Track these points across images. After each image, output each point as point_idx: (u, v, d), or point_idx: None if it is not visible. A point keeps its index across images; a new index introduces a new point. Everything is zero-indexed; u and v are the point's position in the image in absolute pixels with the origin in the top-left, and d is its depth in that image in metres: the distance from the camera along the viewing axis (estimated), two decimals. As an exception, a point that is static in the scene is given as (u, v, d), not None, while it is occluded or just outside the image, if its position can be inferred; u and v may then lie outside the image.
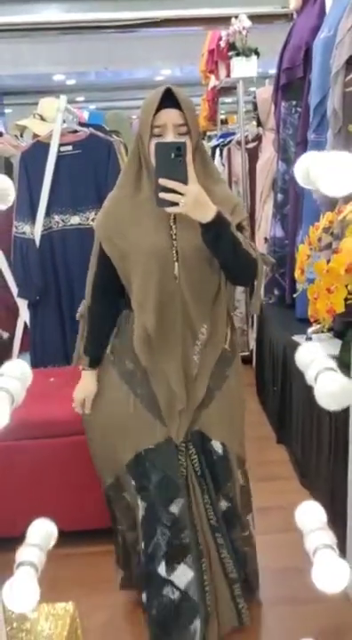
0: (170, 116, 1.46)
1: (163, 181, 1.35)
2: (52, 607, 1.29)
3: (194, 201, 1.37)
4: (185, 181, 1.36)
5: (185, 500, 1.65)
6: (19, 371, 0.78)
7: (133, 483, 1.70)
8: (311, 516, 0.85)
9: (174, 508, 1.65)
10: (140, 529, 1.70)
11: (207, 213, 1.39)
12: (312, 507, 0.87)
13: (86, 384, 1.74)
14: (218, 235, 1.44)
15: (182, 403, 1.61)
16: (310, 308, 2.01)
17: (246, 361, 3.98)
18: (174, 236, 1.53)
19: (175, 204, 1.37)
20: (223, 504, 1.76)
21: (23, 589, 0.77)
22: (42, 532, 0.87)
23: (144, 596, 1.72)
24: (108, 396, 1.70)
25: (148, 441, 1.65)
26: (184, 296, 1.56)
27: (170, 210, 1.40)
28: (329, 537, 0.81)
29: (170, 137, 1.46)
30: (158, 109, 1.46)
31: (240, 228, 1.56)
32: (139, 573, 1.79)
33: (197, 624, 1.65)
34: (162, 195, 1.37)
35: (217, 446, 1.70)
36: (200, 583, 1.66)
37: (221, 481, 1.74)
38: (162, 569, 1.65)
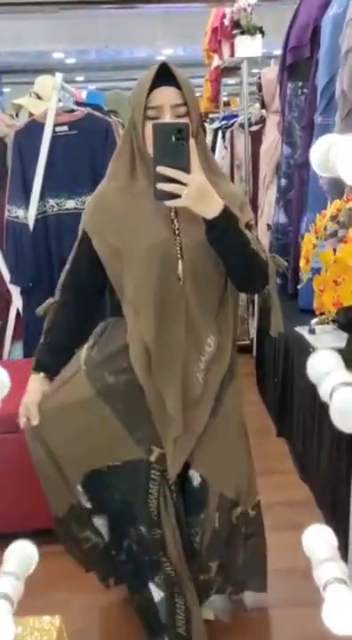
0: (166, 94, 1.27)
1: (162, 169, 1.17)
2: (38, 621, 1.21)
3: (198, 192, 1.18)
4: (187, 169, 1.17)
5: (147, 527, 1.47)
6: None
7: (87, 505, 1.51)
8: (321, 542, 0.76)
9: (142, 528, 1.48)
10: (108, 539, 1.57)
11: (213, 207, 1.22)
12: (321, 532, 0.78)
13: (32, 392, 1.48)
14: (224, 232, 1.25)
15: (178, 429, 1.39)
16: (316, 301, 1.94)
17: (246, 350, 3.92)
18: (177, 231, 1.33)
19: (176, 196, 1.18)
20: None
21: (-3, 626, 0.68)
22: (19, 557, 0.78)
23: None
24: (75, 413, 1.45)
25: (113, 457, 1.46)
26: (189, 300, 1.35)
27: (170, 203, 1.22)
28: (341, 568, 0.72)
29: (167, 119, 1.27)
30: (153, 88, 1.27)
31: (248, 227, 1.37)
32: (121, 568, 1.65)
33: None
34: (160, 185, 1.18)
35: (194, 476, 1.48)
36: (171, 606, 1.51)
37: (188, 513, 1.53)
38: (140, 581, 1.55)
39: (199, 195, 1.19)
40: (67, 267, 1.52)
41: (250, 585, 1.81)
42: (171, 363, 1.37)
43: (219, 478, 1.50)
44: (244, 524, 1.63)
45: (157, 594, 1.51)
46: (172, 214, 1.34)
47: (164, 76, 1.28)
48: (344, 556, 0.71)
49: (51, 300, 1.56)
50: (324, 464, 2.41)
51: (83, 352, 1.49)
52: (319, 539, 0.78)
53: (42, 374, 1.50)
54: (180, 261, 1.34)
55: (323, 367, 0.69)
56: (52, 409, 1.46)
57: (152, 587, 1.51)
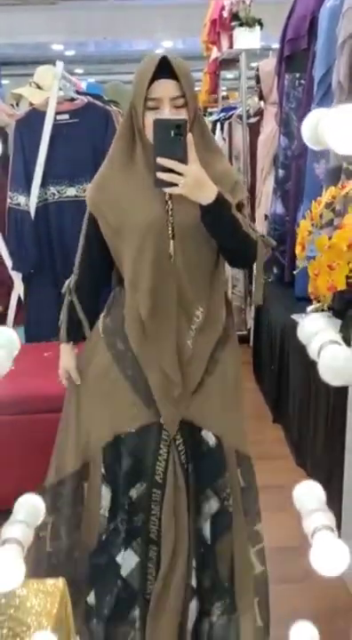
0: (165, 87, 1.34)
1: (161, 160, 1.27)
2: (42, 584, 1.26)
3: (194, 182, 1.28)
4: (184, 161, 1.27)
5: (147, 485, 1.54)
6: (4, 339, 0.74)
7: (102, 470, 1.58)
8: (310, 496, 0.82)
9: (133, 492, 1.56)
10: (103, 521, 1.59)
11: (207, 195, 1.31)
12: (311, 486, 0.83)
13: (64, 359, 1.65)
14: (218, 217, 1.35)
15: (178, 387, 1.49)
16: (310, 285, 1.97)
17: (244, 340, 3.97)
18: (170, 212, 1.42)
19: (174, 184, 1.28)
20: (213, 504, 1.58)
21: (8, 567, 0.74)
22: (28, 507, 0.83)
23: (92, 597, 1.59)
24: (96, 376, 1.59)
25: (130, 424, 1.55)
26: (180, 276, 1.45)
27: (168, 190, 1.32)
28: (328, 518, 0.78)
29: (166, 110, 1.36)
30: (154, 80, 1.34)
31: (240, 206, 1.47)
32: (83, 574, 1.62)
33: (136, 613, 1.57)
34: (160, 175, 1.28)
35: (208, 437, 1.56)
36: (143, 571, 1.56)
37: (211, 476, 1.57)
38: (120, 557, 1.57)
39: (195, 183, 1.29)
40: (80, 246, 1.61)
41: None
42: (164, 332, 1.48)
43: (230, 434, 1.58)
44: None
45: (131, 562, 1.56)
46: (166, 196, 1.42)
47: (165, 68, 1.34)
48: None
49: (68, 280, 1.66)
50: (320, 449, 2.46)
51: (100, 321, 1.61)
52: (308, 493, 0.83)
53: (71, 343, 1.65)
54: (171, 240, 1.43)
55: (312, 328, 0.74)
56: (84, 375, 1.62)
57: (128, 553, 1.56)
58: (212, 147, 1.50)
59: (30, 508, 0.83)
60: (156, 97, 1.35)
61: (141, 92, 1.35)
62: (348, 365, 0.64)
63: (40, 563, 1.61)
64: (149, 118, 1.34)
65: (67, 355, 1.65)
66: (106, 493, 1.60)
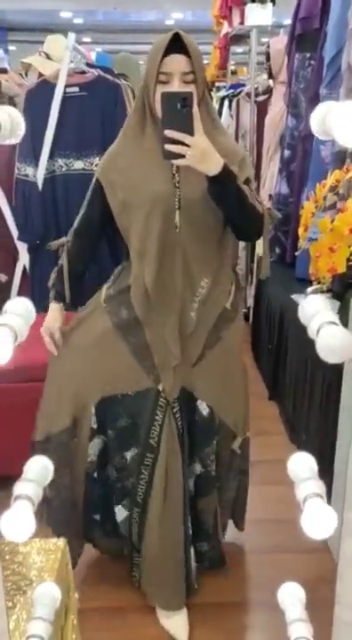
0: (177, 62, 1.39)
1: (169, 132, 1.31)
2: (44, 542, 1.33)
3: (201, 153, 1.32)
4: (191, 133, 1.31)
5: (140, 449, 1.64)
6: (22, 308, 0.78)
7: (93, 425, 1.67)
8: (303, 466, 0.87)
9: (128, 455, 1.67)
10: (91, 466, 1.72)
11: (214, 166, 1.35)
12: (304, 457, 0.89)
13: (49, 318, 1.70)
14: (224, 188, 1.39)
15: (176, 359, 1.57)
16: (311, 266, 2.02)
17: (244, 317, 4.01)
18: (177, 184, 1.48)
19: (181, 155, 1.32)
20: (197, 467, 1.73)
21: (20, 520, 0.79)
22: (39, 467, 0.88)
23: (98, 516, 1.80)
24: (96, 335, 1.64)
25: (128, 386, 1.63)
26: (185, 247, 1.51)
27: (176, 162, 1.36)
28: (319, 486, 0.83)
29: (176, 85, 1.40)
30: (165, 55, 1.39)
31: (247, 181, 1.51)
32: (90, 500, 1.78)
33: (126, 550, 1.80)
34: (168, 146, 1.32)
35: (202, 407, 1.67)
36: (129, 527, 1.73)
37: (200, 444, 1.70)
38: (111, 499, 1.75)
39: (201, 155, 1.33)
40: (80, 213, 1.66)
41: (235, 517, 2.01)
42: (168, 302, 1.55)
43: (221, 407, 1.68)
44: (239, 457, 1.83)
45: (122, 514, 1.74)
46: (174, 169, 1.48)
47: (177, 43, 1.39)
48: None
49: (64, 239, 1.72)
50: (314, 426, 2.52)
51: (103, 291, 1.67)
52: (301, 463, 0.89)
53: (61, 303, 1.71)
54: (177, 212, 1.49)
55: (311, 309, 0.78)
56: (76, 335, 1.68)
57: (119, 507, 1.75)
58: (217, 125, 1.55)
59: (40, 468, 0.88)
60: (167, 71, 1.40)
61: (154, 67, 1.40)
62: (344, 344, 0.69)
63: (41, 511, 1.71)
64: (159, 92, 1.38)
65: (54, 313, 1.70)
66: (96, 444, 1.70)
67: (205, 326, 1.60)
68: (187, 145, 1.31)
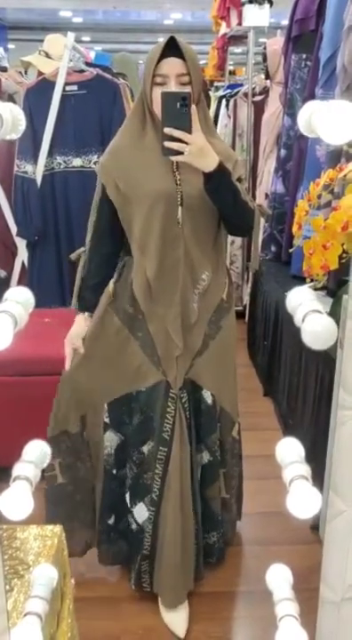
0: (172, 65, 1.45)
1: (168, 130, 1.37)
2: (41, 529, 1.36)
3: (198, 150, 1.39)
4: (190, 131, 1.38)
5: (155, 444, 1.68)
6: (22, 297, 0.82)
7: (106, 419, 1.74)
8: (290, 450, 0.91)
9: (145, 449, 1.71)
10: (109, 459, 1.76)
11: (210, 163, 1.42)
12: (291, 442, 0.93)
13: (77, 327, 1.73)
14: (219, 183, 1.46)
15: (180, 349, 1.62)
16: (305, 263, 2.05)
17: (239, 316, 3.99)
18: (178, 182, 1.54)
19: (180, 152, 1.38)
20: (205, 456, 1.79)
21: (19, 499, 0.83)
22: (37, 451, 0.92)
23: (112, 520, 1.83)
24: (107, 338, 1.70)
25: (141, 383, 1.68)
26: (187, 241, 1.57)
27: (174, 158, 1.42)
28: (305, 469, 0.87)
29: (172, 86, 1.46)
30: (161, 58, 1.45)
31: (239, 180, 1.58)
32: (106, 501, 1.82)
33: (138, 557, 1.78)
34: (167, 144, 1.39)
35: (207, 396, 1.73)
36: (154, 524, 1.73)
37: (206, 432, 1.76)
38: (128, 497, 1.77)
39: (199, 152, 1.39)
40: (91, 219, 1.70)
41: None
42: (170, 294, 1.60)
43: (222, 395, 1.76)
44: (238, 442, 1.92)
45: (143, 514, 1.75)
46: (174, 167, 1.53)
47: (172, 48, 1.45)
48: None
49: (82, 248, 1.80)
50: (307, 422, 2.55)
51: (110, 286, 1.72)
52: (289, 448, 0.93)
53: (86, 313, 1.73)
54: (179, 208, 1.54)
55: (298, 299, 0.82)
56: (90, 340, 1.72)
57: (141, 506, 1.75)
58: (212, 128, 1.63)
59: (38, 451, 0.91)
60: (162, 73, 1.46)
61: (150, 69, 1.47)
62: (326, 330, 0.73)
63: (55, 494, 1.81)
64: (156, 93, 1.45)
65: (78, 324, 1.73)
66: (111, 437, 1.75)
67: (205, 317, 1.67)
68: (185, 142, 1.37)
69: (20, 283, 2.90)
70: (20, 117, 0.78)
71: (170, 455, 1.67)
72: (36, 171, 2.69)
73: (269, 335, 3.21)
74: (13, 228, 2.80)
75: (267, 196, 3.66)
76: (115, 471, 1.79)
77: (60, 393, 1.79)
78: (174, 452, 1.67)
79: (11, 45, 11.52)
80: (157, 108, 1.45)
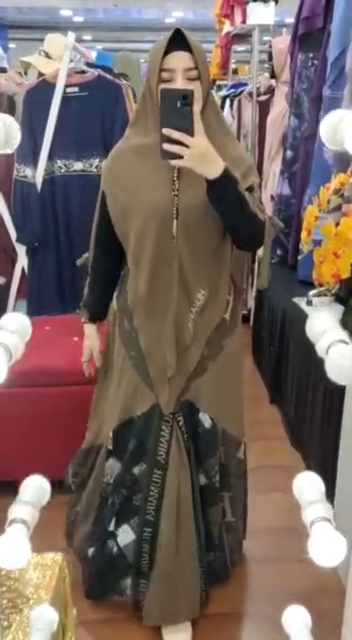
0: (179, 59, 1.35)
1: (167, 131, 1.24)
2: (41, 557, 1.29)
3: (200, 154, 1.26)
4: (191, 132, 1.25)
5: (148, 465, 1.61)
6: (17, 324, 0.75)
7: (109, 446, 1.68)
8: (310, 487, 0.83)
9: (136, 470, 1.64)
10: (108, 488, 1.71)
11: (213, 169, 1.29)
12: (311, 478, 0.85)
13: (87, 337, 1.75)
14: (224, 192, 1.34)
15: (171, 369, 1.53)
16: (315, 271, 1.99)
17: (244, 320, 3.94)
18: (176, 192, 1.42)
19: (180, 156, 1.26)
20: (201, 479, 1.69)
21: (14, 547, 0.76)
22: (34, 488, 0.85)
23: (90, 552, 1.76)
24: (112, 358, 1.66)
25: (137, 408, 1.61)
26: (181, 257, 1.46)
27: (174, 163, 1.29)
28: (327, 510, 0.80)
29: (179, 82, 1.35)
30: (167, 52, 1.34)
31: (250, 189, 1.46)
32: (88, 532, 1.80)
33: (128, 582, 1.71)
34: (166, 146, 1.26)
35: (204, 419, 1.63)
36: (138, 548, 1.65)
37: (203, 456, 1.66)
38: (112, 525, 1.70)
39: (200, 156, 1.27)
40: (94, 223, 1.64)
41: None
42: (164, 311, 1.51)
43: (224, 417, 1.66)
44: (243, 462, 1.84)
45: (127, 536, 1.68)
46: (175, 175, 1.42)
47: (178, 41, 1.35)
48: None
49: (86, 254, 1.72)
50: (316, 431, 2.48)
51: (114, 301, 1.66)
52: (308, 483, 0.85)
53: (95, 324, 1.76)
54: (174, 221, 1.43)
55: (320, 326, 0.75)
56: (105, 363, 1.74)
57: (125, 528, 1.68)
58: (226, 129, 1.51)
59: (36, 489, 0.84)
60: (169, 68, 1.35)
61: (155, 65, 1.36)
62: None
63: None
64: None
65: (89, 333, 1.75)
66: (113, 465, 1.68)
67: (203, 337, 1.57)
68: (186, 145, 1.25)
69: (19, 289, 2.85)
70: (14, 129, 0.71)
71: (165, 478, 1.59)
72: (36, 175, 2.62)
73: (276, 341, 3.14)
74: (13, 234, 2.74)
75: (272, 198, 3.60)
76: (110, 500, 1.70)
77: (93, 405, 1.80)
78: (171, 475, 1.59)
79: (11, 45, 11.46)
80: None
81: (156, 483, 1.61)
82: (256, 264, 3.33)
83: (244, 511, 1.96)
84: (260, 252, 1.70)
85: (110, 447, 1.68)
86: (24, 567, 1.26)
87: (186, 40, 1.35)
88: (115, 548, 1.70)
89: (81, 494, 1.83)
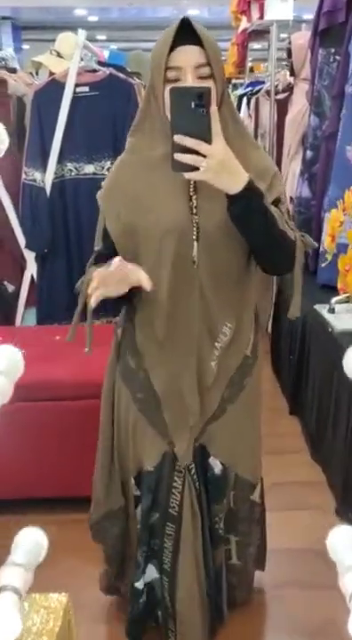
0: (188, 54, 1.14)
1: (179, 139, 1.05)
2: (44, 598, 1.18)
3: (219, 165, 1.06)
4: (208, 139, 1.05)
5: (161, 518, 1.48)
6: (5, 362, 0.64)
7: (136, 492, 1.52)
8: (349, 547, 0.72)
9: (152, 520, 1.50)
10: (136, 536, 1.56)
11: (236, 182, 1.09)
12: (349, 534, 0.73)
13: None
14: (248, 209, 1.13)
15: (196, 416, 1.36)
16: (340, 281, 1.88)
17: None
18: (195, 210, 1.22)
19: (195, 168, 1.06)
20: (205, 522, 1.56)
21: (3, 620, 0.65)
22: (29, 545, 0.74)
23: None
24: (117, 405, 1.46)
25: (149, 461, 1.44)
26: (204, 286, 1.27)
27: (189, 176, 1.09)
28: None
29: (189, 82, 1.14)
30: (174, 47, 1.14)
31: (277, 202, 1.26)
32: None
33: (159, 613, 1.61)
34: (178, 156, 1.06)
35: (214, 464, 1.47)
36: (160, 585, 1.55)
37: (210, 501, 1.51)
38: (139, 584, 1.57)
39: (220, 167, 1.07)
40: (97, 244, 1.40)
41: (256, 564, 1.82)
42: (184, 351, 1.32)
43: (238, 462, 1.50)
44: (258, 505, 1.66)
45: (151, 575, 1.56)
46: (191, 190, 1.22)
47: (186, 33, 1.15)
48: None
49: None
50: (339, 445, 2.37)
51: (115, 334, 1.45)
52: (346, 541, 0.73)
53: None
54: (195, 243, 1.24)
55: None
56: (106, 411, 1.51)
57: (151, 567, 1.56)
58: (244, 132, 1.30)
59: (32, 546, 0.73)
60: (176, 65, 1.14)
61: (160, 63, 1.15)
62: None
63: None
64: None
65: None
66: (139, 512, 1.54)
67: (225, 377, 1.39)
68: (202, 155, 1.06)
69: (29, 297, 2.77)
70: (1, 136, 0.60)
71: (179, 532, 1.46)
72: (46, 178, 2.54)
73: (296, 349, 3.03)
74: (22, 240, 2.67)
75: (291, 200, 3.51)
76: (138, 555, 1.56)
77: (96, 466, 1.57)
78: (185, 530, 1.45)
79: (25, 46, 11.46)
80: (169, 110, 1.12)
81: (169, 535, 1.48)
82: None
83: (258, 554, 1.80)
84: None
85: (137, 493, 1.51)
86: (26, 610, 1.15)
87: (195, 32, 1.14)
88: (143, 596, 1.59)
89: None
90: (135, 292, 1.23)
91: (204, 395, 1.36)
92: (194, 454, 1.43)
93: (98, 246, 1.35)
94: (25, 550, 0.73)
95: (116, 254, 1.24)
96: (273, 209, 1.19)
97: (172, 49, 1.14)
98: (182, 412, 1.36)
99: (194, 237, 1.23)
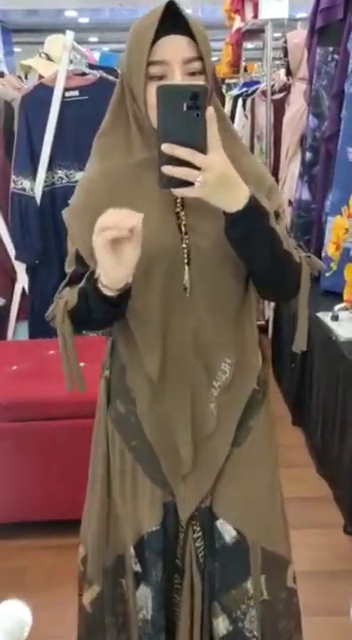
0: (175, 46, 0.96)
1: (169, 148, 0.86)
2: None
3: (217, 179, 0.88)
4: (204, 148, 0.88)
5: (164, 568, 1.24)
6: (9, 622, 0.54)
7: (136, 567, 1.25)
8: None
9: (158, 574, 1.24)
10: (146, 627, 1.27)
11: (237, 199, 0.92)
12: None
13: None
14: (250, 231, 0.96)
15: (188, 466, 1.15)
16: (346, 292, 1.79)
17: (262, 330, 3.78)
18: (183, 228, 1.04)
19: (189, 183, 0.88)
20: (221, 624, 1.22)
21: None
22: (9, 623, 0.64)
23: None
24: (100, 455, 1.26)
25: (151, 521, 1.20)
26: (198, 316, 1.09)
27: (180, 192, 0.90)
28: None
29: (177, 79, 0.97)
30: (157, 38, 0.95)
31: (275, 216, 1.04)
32: None
33: None
34: (167, 169, 0.87)
35: (224, 529, 1.19)
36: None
37: (222, 586, 1.20)
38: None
39: (218, 182, 0.89)
40: (67, 261, 1.20)
41: None
42: (176, 393, 1.14)
43: (258, 528, 1.21)
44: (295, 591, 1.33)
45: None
46: (178, 206, 1.05)
47: (172, 21, 0.97)
48: None
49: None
50: (347, 459, 2.30)
51: (103, 372, 1.26)
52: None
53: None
54: (186, 268, 1.06)
55: None
56: (97, 469, 1.28)
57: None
58: (236, 140, 1.11)
59: (12, 624, 0.64)
60: (161, 59, 0.96)
61: (141, 57, 0.96)
62: None
63: None
64: (153, 91, 0.90)
65: None
66: (147, 594, 1.26)
67: (231, 422, 1.18)
68: (196, 167, 0.88)
69: (20, 310, 2.71)
70: None
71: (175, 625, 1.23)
72: (35, 187, 2.48)
73: (298, 357, 2.95)
74: (11, 252, 2.61)
75: (290, 203, 3.45)
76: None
77: (84, 523, 1.33)
78: (183, 623, 1.21)
79: (17, 49, 11.38)
80: (154, 113, 0.95)
81: (178, 590, 1.26)
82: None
83: None
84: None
85: (137, 568, 1.24)
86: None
87: (183, 19, 0.96)
88: None
89: None
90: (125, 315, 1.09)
91: (205, 442, 1.17)
92: (198, 514, 1.21)
93: (69, 269, 1.16)
94: (6, 628, 0.63)
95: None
96: (277, 228, 1.02)
97: (155, 40, 0.96)
98: (176, 461, 1.17)
99: (185, 261, 1.06)
